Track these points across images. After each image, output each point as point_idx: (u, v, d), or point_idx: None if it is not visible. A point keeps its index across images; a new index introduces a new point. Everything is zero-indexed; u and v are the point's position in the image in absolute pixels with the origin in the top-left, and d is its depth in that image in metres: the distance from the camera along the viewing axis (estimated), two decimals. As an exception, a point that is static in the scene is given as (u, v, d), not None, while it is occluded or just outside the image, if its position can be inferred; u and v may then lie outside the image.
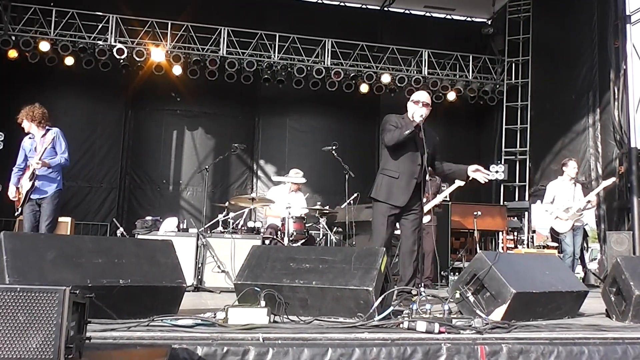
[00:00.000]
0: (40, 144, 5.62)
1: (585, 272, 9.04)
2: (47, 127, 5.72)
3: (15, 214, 5.79)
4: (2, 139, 9.97)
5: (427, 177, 7.01)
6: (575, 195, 7.54)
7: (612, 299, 4.10)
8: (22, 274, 2.99)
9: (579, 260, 8.13)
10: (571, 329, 3.43)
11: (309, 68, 11.53)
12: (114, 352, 2.48)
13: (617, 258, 4.13)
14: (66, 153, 5.71)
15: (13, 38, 10.31)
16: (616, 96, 9.30)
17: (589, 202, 7.47)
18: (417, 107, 4.71)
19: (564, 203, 7.46)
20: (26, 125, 5.72)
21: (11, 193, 5.68)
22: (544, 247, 9.18)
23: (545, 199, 7.72)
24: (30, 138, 5.74)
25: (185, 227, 6.72)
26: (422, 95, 4.84)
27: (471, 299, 3.85)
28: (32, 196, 5.54)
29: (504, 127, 12.49)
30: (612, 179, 7.83)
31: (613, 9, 9.57)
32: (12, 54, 10.39)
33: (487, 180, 4.92)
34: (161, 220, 6.87)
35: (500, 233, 10.09)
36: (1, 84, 10.54)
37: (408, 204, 4.69)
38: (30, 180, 5.50)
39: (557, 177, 7.78)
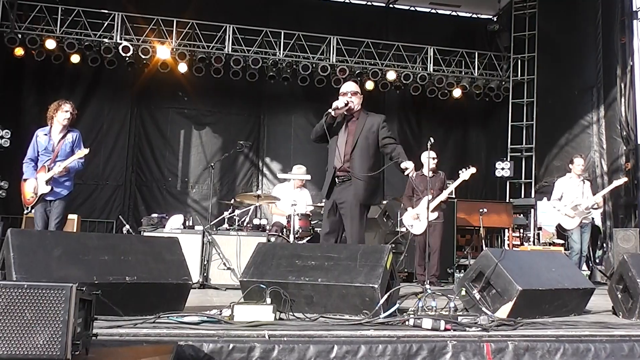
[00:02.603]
0: (59, 145, 5.60)
1: (591, 269, 9.01)
2: (68, 129, 5.68)
3: (25, 212, 5.79)
4: (9, 136, 10.02)
5: (430, 174, 7.06)
6: (584, 192, 7.49)
7: (619, 296, 4.08)
8: (29, 270, 3.01)
9: (586, 258, 8.09)
10: (577, 326, 3.43)
11: (314, 65, 11.50)
12: (120, 348, 2.49)
13: (624, 255, 4.12)
14: (83, 159, 5.71)
15: (19, 36, 10.33)
16: (623, 92, 9.25)
17: (596, 202, 7.42)
18: (340, 98, 4.71)
19: (572, 200, 7.42)
20: (61, 120, 5.62)
21: (30, 188, 5.50)
22: (550, 244, 9.15)
23: (553, 196, 7.67)
24: (46, 135, 5.62)
25: (191, 224, 6.74)
26: (347, 87, 4.85)
27: (477, 296, 3.84)
28: (46, 198, 5.54)
29: (509, 123, 12.44)
30: (624, 179, 7.78)
31: (619, 5, 9.53)
32: (19, 51, 10.42)
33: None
34: (167, 217, 6.90)
35: (506, 230, 10.06)
36: (8, 81, 10.59)
37: (337, 195, 4.67)
38: (47, 184, 5.48)
39: (566, 174, 7.73)
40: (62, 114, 5.60)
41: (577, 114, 10.48)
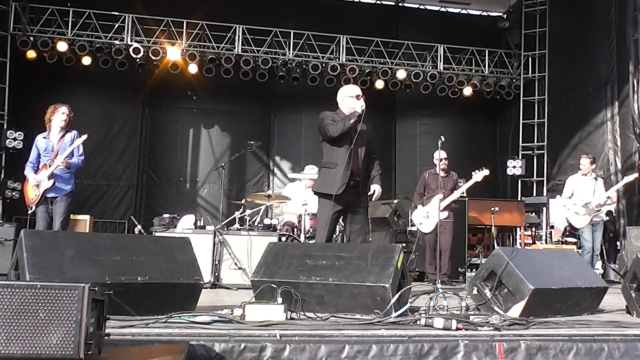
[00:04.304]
0: (58, 145, 5.69)
1: (604, 267, 8.93)
2: (66, 129, 5.80)
3: (29, 212, 5.85)
4: (21, 138, 10.12)
5: (442, 174, 7.03)
6: (596, 190, 7.43)
7: (633, 295, 4.04)
8: (42, 271, 3.03)
9: (599, 256, 8.01)
10: (591, 326, 3.40)
11: (323, 65, 11.51)
12: (133, 348, 2.50)
13: (638, 253, 4.07)
14: (83, 156, 5.82)
15: (31, 39, 10.46)
16: (635, 89, 9.15)
17: (608, 197, 7.36)
18: (356, 101, 4.78)
19: (583, 198, 7.36)
20: (58, 122, 5.74)
21: (32, 180, 5.60)
22: (562, 242, 9.08)
23: (563, 194, 7.62)
24: (44, 138, 5.77)
25: (202, 224, 6.75)
26: (356, 89, 4.94)
27: (489, 295, 3.82)
28: (47, 195, 5.61)
29: (521, 121, 12.36)
30: (635, 175, 7.69)
31: (632, 0, 9.41)
32: (31, 54, 10.54)
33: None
34: (178, 217, 6.91)
35: (518, 229, 9.99)
36: (20, 84, 10.70)
37: (348, 198, 4.67)
38: (49, 179, 5.57)
39: (577, 172, 7.68)
40: (59, 116, 5.74)
41: (590, 111, 10.38)
